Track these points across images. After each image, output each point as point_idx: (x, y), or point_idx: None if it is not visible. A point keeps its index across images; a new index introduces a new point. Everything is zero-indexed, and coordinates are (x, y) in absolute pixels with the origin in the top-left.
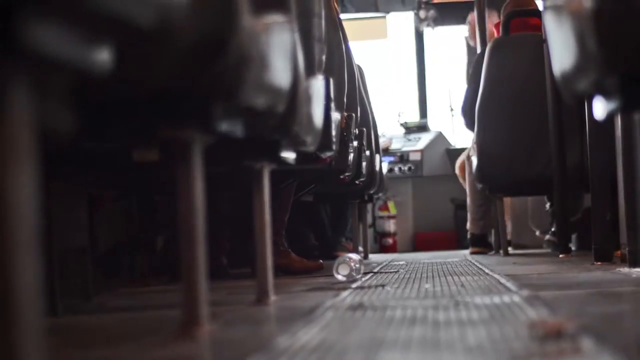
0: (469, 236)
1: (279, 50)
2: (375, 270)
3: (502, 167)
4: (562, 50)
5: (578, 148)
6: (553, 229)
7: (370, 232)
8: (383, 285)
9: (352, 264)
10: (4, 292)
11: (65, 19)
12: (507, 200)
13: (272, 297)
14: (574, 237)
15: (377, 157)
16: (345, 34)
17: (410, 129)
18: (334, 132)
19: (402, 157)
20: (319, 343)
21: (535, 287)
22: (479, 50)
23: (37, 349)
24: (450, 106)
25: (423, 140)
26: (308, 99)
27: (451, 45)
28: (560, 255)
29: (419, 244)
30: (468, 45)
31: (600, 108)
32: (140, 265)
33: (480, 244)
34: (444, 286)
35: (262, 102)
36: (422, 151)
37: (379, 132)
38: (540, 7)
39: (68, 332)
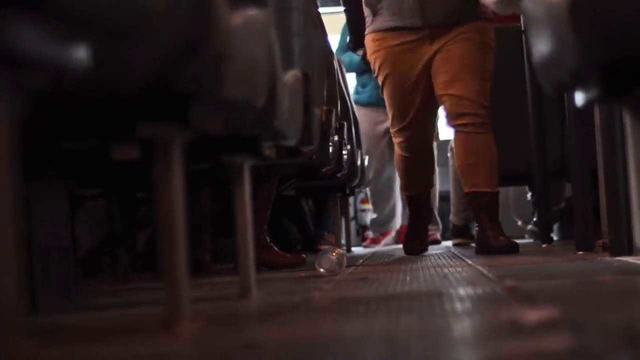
0: (451, 227)
1: (258, 46)
2: (358, 263)
3: None
4: (540, 40)
5: (559, 138)
6: (535, 219)
7: (352, 225)
8: (366, 278)
9: (335, 258)
10: None
11: (43, 18)
12: None
13: (255, 293)
14: (556, 226)
15: (358, 150)
16: (325, 28)
17: None
18: (314, 126)
19: None
20: (302, 338)
21: (518, 278)
22: None
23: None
24: None
25: None
26: (288, 94)
27: None
28: (543, 245)
29: (402, 235)
30: None
31: (579, 98)
32: (123, 263)
33: (463, 235)
34: (427, 278)
35: (241, 98)
36: None
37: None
38: None
39: (49, 331)
